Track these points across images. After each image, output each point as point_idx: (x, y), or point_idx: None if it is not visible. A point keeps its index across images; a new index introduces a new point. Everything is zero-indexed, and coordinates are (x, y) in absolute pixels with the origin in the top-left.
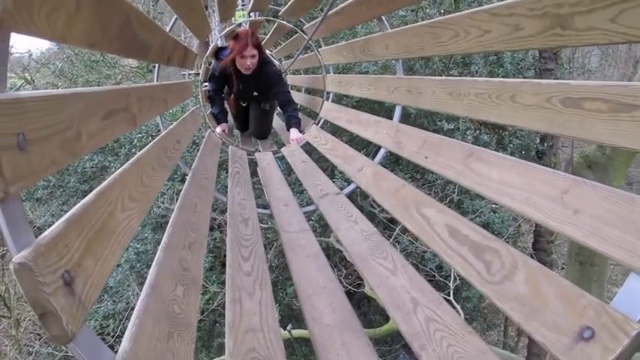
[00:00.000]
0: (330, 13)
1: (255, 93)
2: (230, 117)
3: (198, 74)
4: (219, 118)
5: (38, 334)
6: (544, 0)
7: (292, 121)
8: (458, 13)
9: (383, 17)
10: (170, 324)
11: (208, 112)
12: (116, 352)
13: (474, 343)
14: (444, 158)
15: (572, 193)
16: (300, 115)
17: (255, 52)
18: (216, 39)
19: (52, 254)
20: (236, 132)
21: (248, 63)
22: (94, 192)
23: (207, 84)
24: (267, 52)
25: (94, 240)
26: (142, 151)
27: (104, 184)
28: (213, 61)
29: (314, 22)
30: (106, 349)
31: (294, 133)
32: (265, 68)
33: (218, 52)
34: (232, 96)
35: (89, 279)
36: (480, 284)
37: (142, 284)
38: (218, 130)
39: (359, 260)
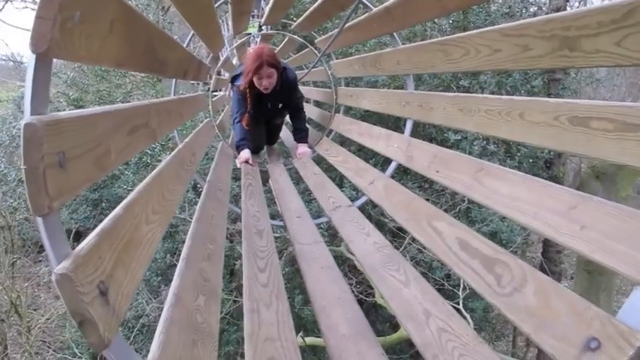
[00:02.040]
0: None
1: (281, 105)
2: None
3: (208, 84)
4: (243, 144)
5: (47, 342)
6: (553, 22)
7: (300, 135)
8: (469, 32)
9: (394, 33)
10: (194, 332)
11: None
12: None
13: (485, 354)
14: (455, 172)
15: (580, 208)
16: (308, 126)
17: (271, 70)
18: (227, 51)
19: (88, 266)
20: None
21: (265, 83)
22: (120, 206)
23: (216, 97)
24: None
25: (123, 252)
26: (162, 164)
27: (129, 198)
28: (231, 92)
29: (325, 36)
30: (138, 356)
31: (302, 147)
32: (284, 77)
33: (233, 80)
34: (251, 117)
35: (120, 289)
36: (490, 296)
37: (151, 292)
38: (240, 161)
39: (372, 272)
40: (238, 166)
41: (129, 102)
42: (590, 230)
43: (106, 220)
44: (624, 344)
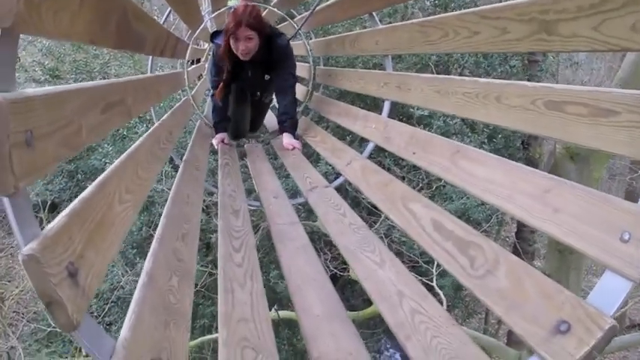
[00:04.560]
0: (321, 6)
1: (267, 76)
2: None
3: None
4: (221, 125)
5: (21, 314)
6: (531, 6)
7: (286, 123)
8: (448, 14)
9: (374, 13)
10: (167, 313)
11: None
12: (116, 339)
13: (457, 335)
14: (431, 154)
15: (553, 192)
16: (297, 111)
17: (250, 32)
18: (206, 19)
19: (57, 246)
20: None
21: (242, 47)
22: (92, 185)
23: (192, 67)
24: None
25: (94, 232)
26: (137, 143)
27: (102, 177)
28: (211, 46)
29: (305, 14)
30: (108, 337)
31: (287, 138)
32: (274, 44)
33: (213, 37)
34: (233, 91)
35: (91, 270)
36: (463, 278)
37: (127, 265)
38: (215, 141)
39: (347, 253)
40: (215, 146)
41: (106, 72)
42: (562, 214)
43: (77, 200)
44: (593, 327)
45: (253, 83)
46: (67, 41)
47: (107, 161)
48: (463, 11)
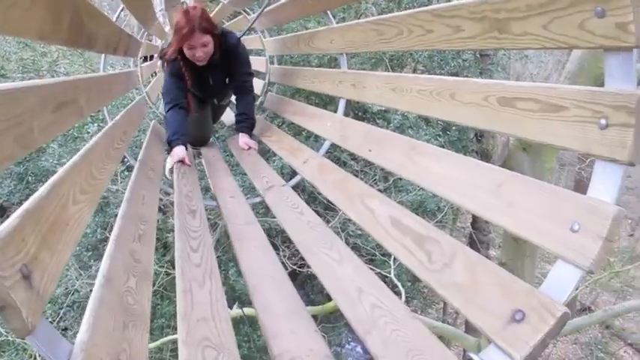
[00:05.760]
0: (275, 4)
1: (227, 79)
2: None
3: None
4: (177, 140)
5: None
6: (484, 5)
7: (244, 123)
8: (402, 12)
9: (329, 11)
10: (125, 315)
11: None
12: (73, 343)
13: (417, 328)
14: (388, 151)
15: (507, 186)
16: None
17: (205, 38)
18: (158, 14)
19: (9, 248)
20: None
21: (199, 54)
22: (45, 186)
23: (146, 64)
24: None
25: (48, 233)
26: (90, 143)
27: (55, 177)
28: (162, 66)
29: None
30: (64, 340)
31: (244, 137)
32: (224, 44)
33: (162, 56)
34: (195, 100)
35: (46, 272)
36: (422, 273)
37: (81, 267)
38: (173, 160)
39: (305, 251)
40: (167, 169)
41: (55, 70)
42: (516, 207)
43: (30, 201)
44: (547, 315)
45: (216, 91)
46: (18, 37)
47: (57, 162)
48: (417, 10)
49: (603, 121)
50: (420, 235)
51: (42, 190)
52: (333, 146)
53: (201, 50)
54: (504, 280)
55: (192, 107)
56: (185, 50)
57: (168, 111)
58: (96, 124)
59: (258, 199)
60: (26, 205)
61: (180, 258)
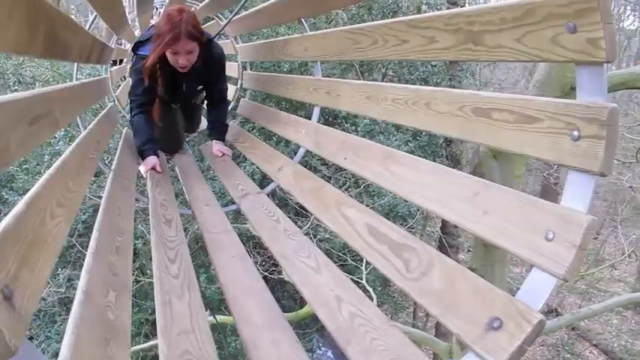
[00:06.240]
0: (248, 11)
1: (200, 87)
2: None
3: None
4: (149, 149)
5: None
6: (458, 17)
7: (218, 130)
8: (377, 22)
9: (303, 20)
10: (106, 330)
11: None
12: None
13: (396, 336)
14: (363, 159)
15: (482, 195)
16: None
17: (191, 45)
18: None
19: None
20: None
21: (182, 62)
22: (22, 202)
23: (115, 67)
24: None
25: (28, 251)
26: (65, 154)
27: (31, 192)
28: (132, 60)
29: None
30: None
31: (218, 145)
32: (208, 52)
33: (136, 47)
34: (162, 105)
35: (27, 291)
36: (399, 281)
37: (55, 278)
38: (143, 169)
39: (282, 259)
40: (143, 174)
41: (21, 74)
42: (491, 216)
43: (8, 218)
44: (523, 322)
45: (186, 98)
46: None
47: (23, 169)
48: (392, 20)
49: (576, 133)
50: (397, 243)
51: (19, 206)
52: (305, 152)
53: (185, 57)
54: (481, 288)
55: (159, 113)
56: (168, 55)
57: (134, 115)
58: (63, 130)
59: (234, 207)
60: (4, 223)
61: (157, 269)
